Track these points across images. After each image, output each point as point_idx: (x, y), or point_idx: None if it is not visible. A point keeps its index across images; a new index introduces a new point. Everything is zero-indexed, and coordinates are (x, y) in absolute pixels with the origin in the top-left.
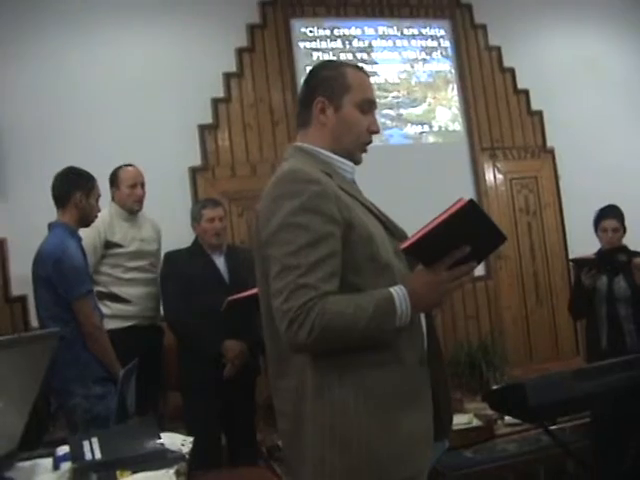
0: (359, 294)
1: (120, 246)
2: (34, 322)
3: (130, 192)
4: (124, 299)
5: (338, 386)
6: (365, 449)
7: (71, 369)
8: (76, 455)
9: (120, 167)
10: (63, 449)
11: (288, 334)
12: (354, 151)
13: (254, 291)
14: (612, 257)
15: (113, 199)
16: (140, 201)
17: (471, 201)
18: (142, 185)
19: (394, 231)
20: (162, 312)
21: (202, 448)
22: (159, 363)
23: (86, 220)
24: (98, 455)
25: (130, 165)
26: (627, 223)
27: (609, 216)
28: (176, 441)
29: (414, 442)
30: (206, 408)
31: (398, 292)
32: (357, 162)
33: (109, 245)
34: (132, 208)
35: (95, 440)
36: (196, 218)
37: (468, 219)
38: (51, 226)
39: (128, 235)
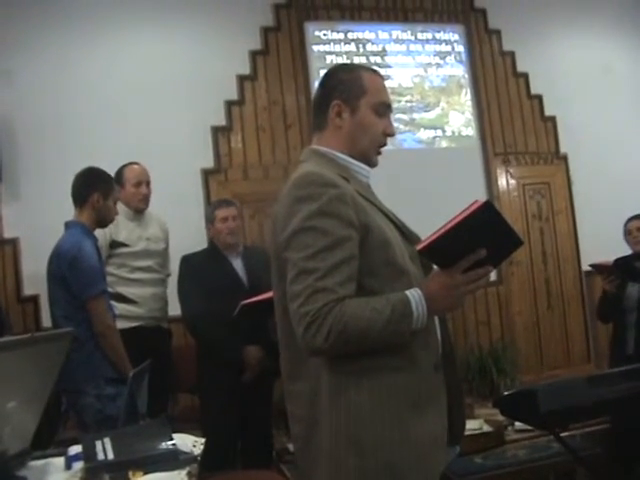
0: (375, 297)
1: (126, 245)
2: (46, 322)
3: (135, 191)
4: (130, 299)
5: (354, 390)
6: (380, 453)
7: (83, 369)
8: (88, 455)
9: (125, 165)
10: (75, 449)
11: (305, 337)
12: (369, 154)
13: (268, 295)
14: (628, 264)
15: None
16: (146, 199)
17: (488, 202)
18: (147, 183)
19: (409, 236)
20: (180, 315)
21: (219, 450)
22: (167, 365)
23: (103, 221)
24: (110, 455)
25: (135, 163)
26: None
27: (634, 218)
28: (188, 442)
29: (429, 447)
30: (224, 411)
31: (414, 294)
32: (372, 165)
33: (115, 245)
34: (138, 207)
35: (107, 440)
36: (209, 219)
37: (484, 221)
38: (67, 225)
39: (134, 234)
